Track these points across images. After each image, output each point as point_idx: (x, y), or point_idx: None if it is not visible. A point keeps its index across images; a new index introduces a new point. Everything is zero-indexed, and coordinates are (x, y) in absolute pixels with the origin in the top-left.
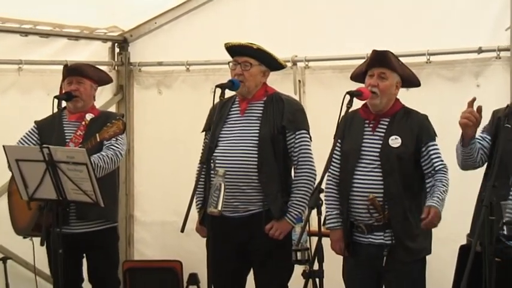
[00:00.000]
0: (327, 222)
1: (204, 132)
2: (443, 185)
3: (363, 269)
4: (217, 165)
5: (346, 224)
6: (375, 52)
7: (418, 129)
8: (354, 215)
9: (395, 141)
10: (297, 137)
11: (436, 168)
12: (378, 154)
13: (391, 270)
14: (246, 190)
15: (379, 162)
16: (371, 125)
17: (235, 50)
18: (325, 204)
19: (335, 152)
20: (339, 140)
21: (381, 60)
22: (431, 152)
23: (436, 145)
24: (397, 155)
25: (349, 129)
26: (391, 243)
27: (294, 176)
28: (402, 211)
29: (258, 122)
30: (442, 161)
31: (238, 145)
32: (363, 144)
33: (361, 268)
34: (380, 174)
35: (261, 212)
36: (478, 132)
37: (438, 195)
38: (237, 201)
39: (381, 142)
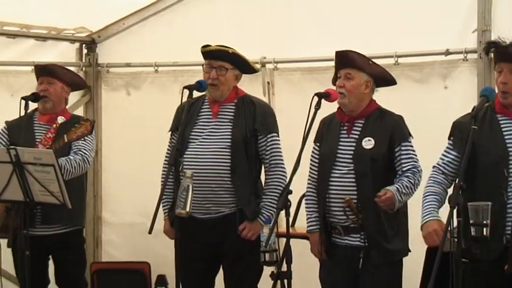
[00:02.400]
0: (307, 225)
1: (170, 133)
2: (409, 181)
3: (340, 271)
4: (188, 167)
5: (324, 227)
6: (336, 53)
7: (391, 130)
8: (331, 217)
9: (368, 143)
10: (268, 140)
11: (404, 169)
12: (351, 157)
13: (366, 272)
14: (218, 192)
15: (352, 165)
16: (346, 128)
17: (210, 54)
18: (305, 207)
19: (313, 155)
20: (317, 144)
21: (343, 60)
22: (402, 153)
23: (409, 146)
24: (370, 157)
25: (326, 133)
26: (365, 246)
27: (266, 179)
28: (375, 213)
29: (230, 124)
30: (414, 162)
31: (211, 147)
32: (339, 147)
33: (338, 270)
34: (354, 176)
35: (233, 213)
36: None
37: (399, 185)
38: (209, 203)
39: (354, 144)
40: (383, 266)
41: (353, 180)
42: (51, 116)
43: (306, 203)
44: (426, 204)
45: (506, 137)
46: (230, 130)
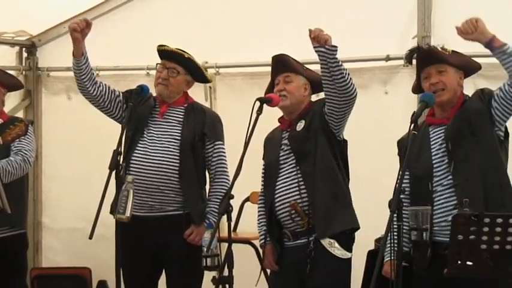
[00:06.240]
0: (260, 240)
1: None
2: None
3: (288, 278)
4: (136, 164)
5: (274, 237)
6: (274, 58)
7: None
8: (282, 224)
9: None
10: (215, 147)
11: None
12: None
13: (314, 276)
14: (164, 191)
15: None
16: (288, 132)
17: (165, 54)
18: (257, 223)
19: (262, 173)
20: (264, 162)
21: (281, 65)
22: None
23: None
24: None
25: (269, 146)
26: (311, 249)
27: (211, 186)
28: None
29: (180, 126)
30: None
31: (160, 146)
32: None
33: (286, 277)
34: (301, 177)
35: (177, 215)
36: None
37: None
38: (152, 201)
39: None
40: (331, 269)
41: (301, 181)
42: None
43: (258, 220)
44: None
45: (432, 150)
46: (179, 131)
